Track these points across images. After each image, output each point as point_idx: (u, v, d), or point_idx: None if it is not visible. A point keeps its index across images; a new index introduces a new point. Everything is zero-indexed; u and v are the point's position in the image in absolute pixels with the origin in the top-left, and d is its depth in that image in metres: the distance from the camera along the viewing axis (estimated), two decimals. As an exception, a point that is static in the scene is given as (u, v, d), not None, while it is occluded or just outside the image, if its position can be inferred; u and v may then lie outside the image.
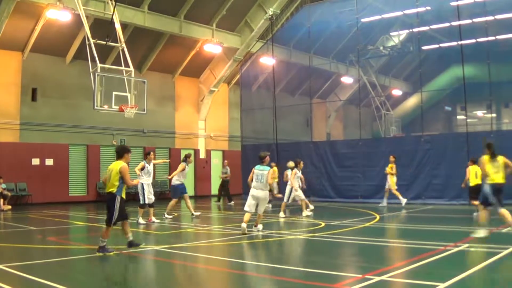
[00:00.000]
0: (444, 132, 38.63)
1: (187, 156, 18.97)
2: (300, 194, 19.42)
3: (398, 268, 9.13)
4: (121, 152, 10.99)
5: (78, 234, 16.04)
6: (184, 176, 18.79)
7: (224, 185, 27.53)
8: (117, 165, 10.69)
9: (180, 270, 9.95)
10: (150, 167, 17.21)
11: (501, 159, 12.47)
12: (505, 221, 12.38)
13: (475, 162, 16.76)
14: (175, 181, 18.65)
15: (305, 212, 19.07)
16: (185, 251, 10.79)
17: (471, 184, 17.29)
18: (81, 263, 10.44)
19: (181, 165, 18.60)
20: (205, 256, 10.58)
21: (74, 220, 19.64)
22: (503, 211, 12.26)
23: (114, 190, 10.66)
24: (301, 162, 20.51)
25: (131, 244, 11.11)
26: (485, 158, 12.53)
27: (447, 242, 11.48)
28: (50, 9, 23.32)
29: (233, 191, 28.65)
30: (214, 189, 33.81)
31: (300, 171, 20.22)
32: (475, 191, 16.74)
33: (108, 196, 10.81)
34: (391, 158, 22.76)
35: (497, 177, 12.30)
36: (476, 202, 15.92)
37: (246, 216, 14.03)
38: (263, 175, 14.01)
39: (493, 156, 12.51)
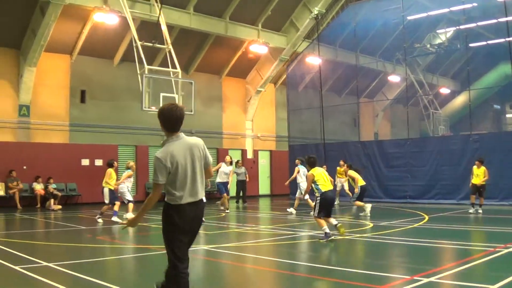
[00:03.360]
0: (493, 131, 37.95)
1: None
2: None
3: (447, 270, 8.98)
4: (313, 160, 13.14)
5: (126, 234, 16.26)
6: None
7: (239, 185, 26.94)
8: (322, 171, 12.98)
9: (229, 269, 9.99)
10: None
11: None
12: None
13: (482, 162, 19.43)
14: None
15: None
16: (233, 251, 10.79)
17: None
18: (130, 262, 10.60)
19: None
20: (252, 256, 10.60)
21: (123, 220, 19.88)
22: None
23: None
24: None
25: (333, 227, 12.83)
26: None
27: (497, 244, 11.26)
28: (97, 13, 23.77)
29: (282, 191, 28.66)
30: (262, 189, 33.96)
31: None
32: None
33: (332, 193, 13.07)
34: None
35: None
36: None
37: None
38: None
39: None
